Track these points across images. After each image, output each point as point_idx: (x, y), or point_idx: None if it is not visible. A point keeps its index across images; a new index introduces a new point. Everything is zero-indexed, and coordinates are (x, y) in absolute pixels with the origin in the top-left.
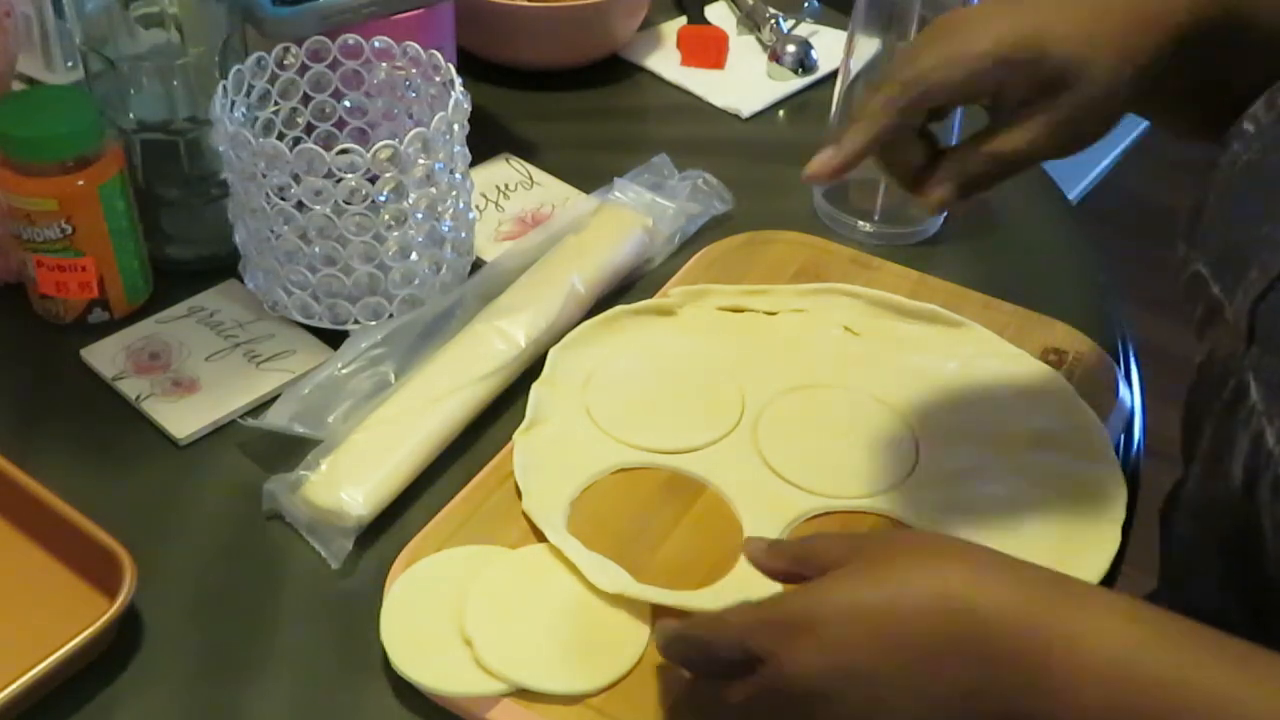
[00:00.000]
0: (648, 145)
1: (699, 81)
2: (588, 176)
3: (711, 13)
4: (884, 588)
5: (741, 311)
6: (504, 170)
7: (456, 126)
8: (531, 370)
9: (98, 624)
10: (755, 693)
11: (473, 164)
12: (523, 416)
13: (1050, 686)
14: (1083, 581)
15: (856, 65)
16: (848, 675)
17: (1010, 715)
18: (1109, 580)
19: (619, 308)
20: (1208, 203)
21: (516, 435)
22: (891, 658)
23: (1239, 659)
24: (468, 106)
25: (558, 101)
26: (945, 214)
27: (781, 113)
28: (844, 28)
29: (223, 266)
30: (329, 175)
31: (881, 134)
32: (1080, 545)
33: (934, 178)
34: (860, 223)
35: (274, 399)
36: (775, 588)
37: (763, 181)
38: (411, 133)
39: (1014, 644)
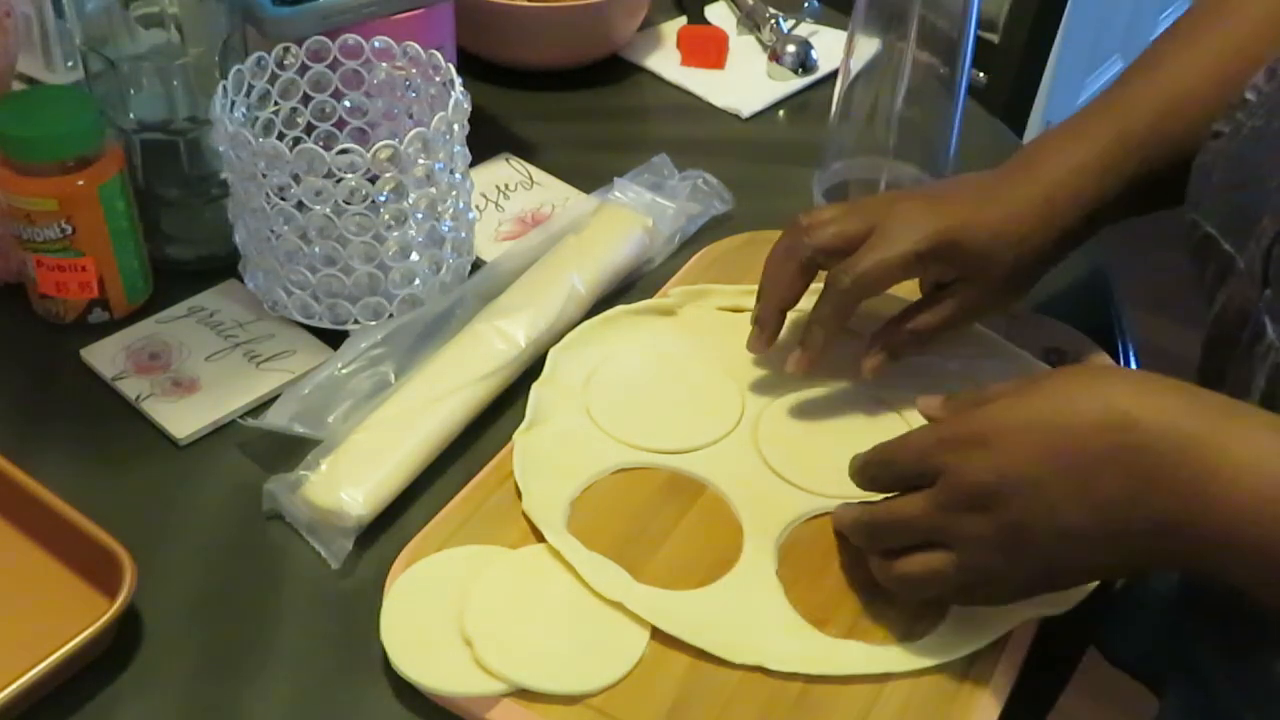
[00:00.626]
0: (648, 145)
1: (699, 81)
2: (588, 176)
3: (711, 13)
4: (1053, 402)
5: (741, 311)
6: (504, 170)
7: (456, 126)
8: (531, 370)
9: (98, 624)
10: (933, 501)
11: (473, 164)
12: (523, 416)
13: (1206, 497)
14: (1245, 404)
15: (856, 65)
16: (1017, 481)
17: (1165, 525)
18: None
19: (619, 307)
20: (1214, 170)
21: (516, 435)
22: (1058, 465)
23: None
24: (468, 106)
25: (558, 101)
26: None
27: (781, 113)
28: (844, 28)
29: (223, 266)
30: (329, 175)
31: (836, 331)
32: None
33: (869, 351)
34: None
35: (274, 399)
36: (774, 587)
37: (763, 181)
38: (411, 133)
39: (1174, 456)
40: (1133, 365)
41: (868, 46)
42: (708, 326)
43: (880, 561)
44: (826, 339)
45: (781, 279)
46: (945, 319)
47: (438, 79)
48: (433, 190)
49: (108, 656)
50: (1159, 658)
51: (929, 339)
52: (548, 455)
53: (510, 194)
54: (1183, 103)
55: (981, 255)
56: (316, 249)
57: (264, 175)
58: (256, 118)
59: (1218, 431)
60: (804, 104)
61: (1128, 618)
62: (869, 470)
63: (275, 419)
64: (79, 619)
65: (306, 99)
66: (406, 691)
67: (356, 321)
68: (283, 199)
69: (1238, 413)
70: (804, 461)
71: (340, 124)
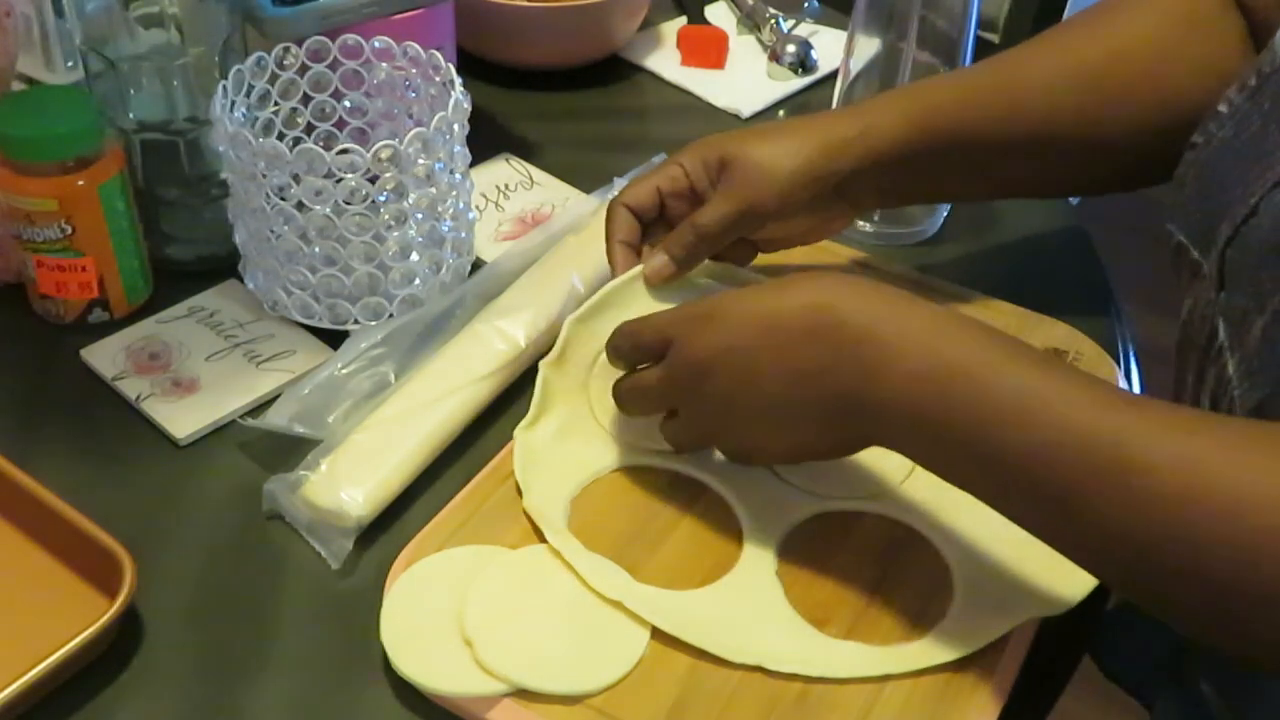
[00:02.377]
0: (648, 145)
1: (699, 81)
2: (588, 176)
3: (711, 13)
4: (774, 291)
5: None
6: (504, 170)
7: (456, 126)
8: (532, 370)
9: (98, 624)
10: (664, 372)
11: (473, 164)
12: (523, 416)
13: (876, 369)
14: (928, 302)
15: (856, 65)
16: (731, 351)
17: (847, 394)
18: None
19: (638, 267)
20: (1187, 179)
21: (517, 433)
22: (765, 340)
23: (1042, 360)
24: (468, 106)
25: (558, 101)
26: (945, 213)
27: (782, 113)
28: (844, 28)
29: (223, 266)
30: (329, 175)
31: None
32: None
33: (652, 252)
34: (860, 223)
35: (274, 399)
36: (774, 587)
37: None
38: (411, 133)
39: (858, 332)
40: (1133, 365)
41: (868, 46)
42: None
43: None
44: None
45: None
46: (724, 214)
47: (438, 79)
48: (433, 190)
49: (108, 657)
50: (1150, 671)
51: (713, 240)
52: (548, 454)
53: (510, 194)
54: (986, 94)
55: (762, 165)
56: (316, 249)
57: (264, 175)
58: (256, 118)
59: (896, 315)
60: (804, 104)
61: (1121, 631)
62: (615, 340)
63: (275, 419)
64: (79, 619)
65: (306, 99)
66: (406, 691)
67: (356, 321)
68: (283, 199)
69: (915, 301)
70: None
71: (340, 124)
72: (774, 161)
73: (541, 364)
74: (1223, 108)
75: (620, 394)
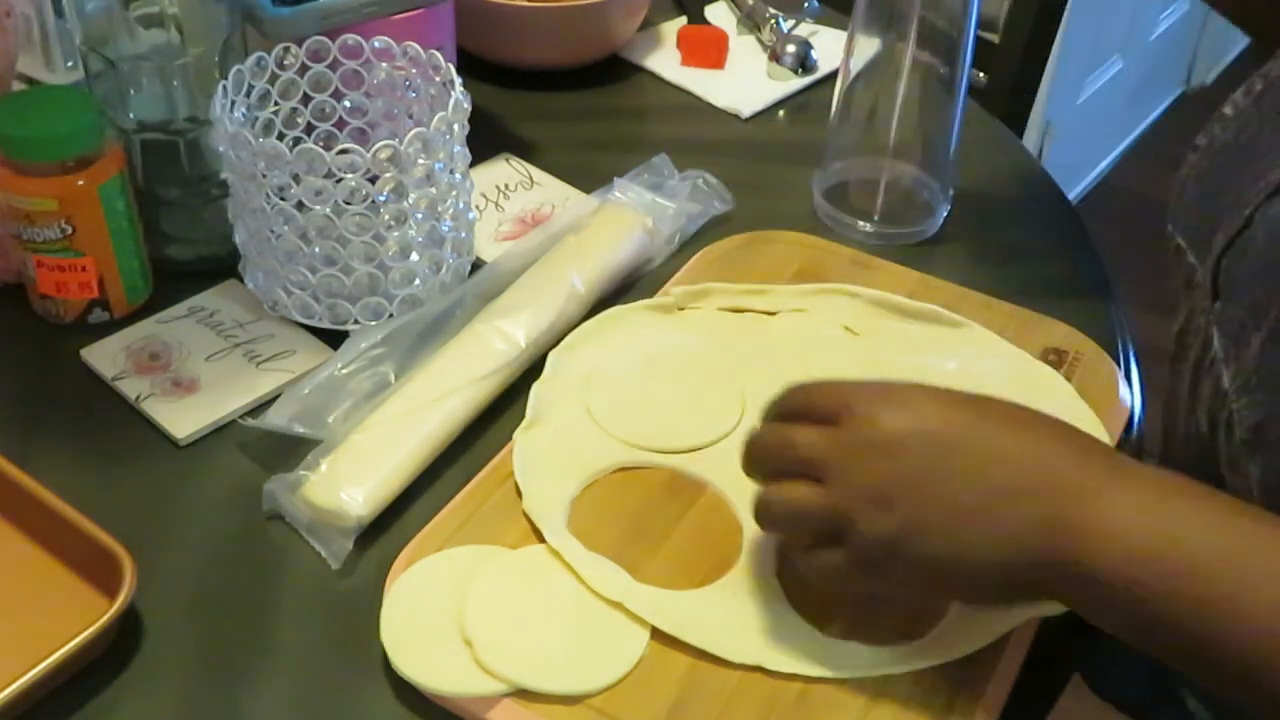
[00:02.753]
0: (648, 145)
1: (699, 81)
2: (588, 176)
3: (711, 13)
4: (974, 401)
5: (742, 312)
6: (504, 170)
7: (456, 126)
8: (532, 370)
9: (98, 624)
10: (835, 436)
11: (473, 164)
12: (523, 416)
13: (1090, 531)
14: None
15: (856, 65)
16: (923, 435)
17: (1050, 527)
18: None
19: (619, 307)
20: (1187, 182)
21: (517, 434)
22: (968, 440)
23: (1232, 520)
24: (468, 106)
25: (558, 101)
26: (945, 213)
27: (781, 113)
28: (844, 28)
29: (223, 266)
30: (329, 175)
31: None
32: None
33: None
34: (860, 223)
35: (274, 399)
36: (774, 587)
37: (763, 181)
38: (411, 133)
39: (1072, 487)
40: (1133, 365)
41: (868, 46)
42: (708, 326)
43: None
44: None
45: None
46: None
47: (438, 79)
48: (433, 190)
49: (108, 657)
50: (1145, 691)
51: None
52: (548, 454)
53: (510, 194)
54: None
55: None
56: (316, 249)
57: (264, 175)
58: (256, 118)
59: (1112, 481)
60: (804, 104)
61: (1115, 653)
62: (786, 398)
63: (275, 419)
64: (79, 619)
65: (306, 99)
66: (406, 691)
67: (356, 321)
68: (283, 199)
69: (1130, 466)
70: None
71: (340, 124)
72: None
73: (534, 385)
74: (1227, 110)
75: (767, 496)
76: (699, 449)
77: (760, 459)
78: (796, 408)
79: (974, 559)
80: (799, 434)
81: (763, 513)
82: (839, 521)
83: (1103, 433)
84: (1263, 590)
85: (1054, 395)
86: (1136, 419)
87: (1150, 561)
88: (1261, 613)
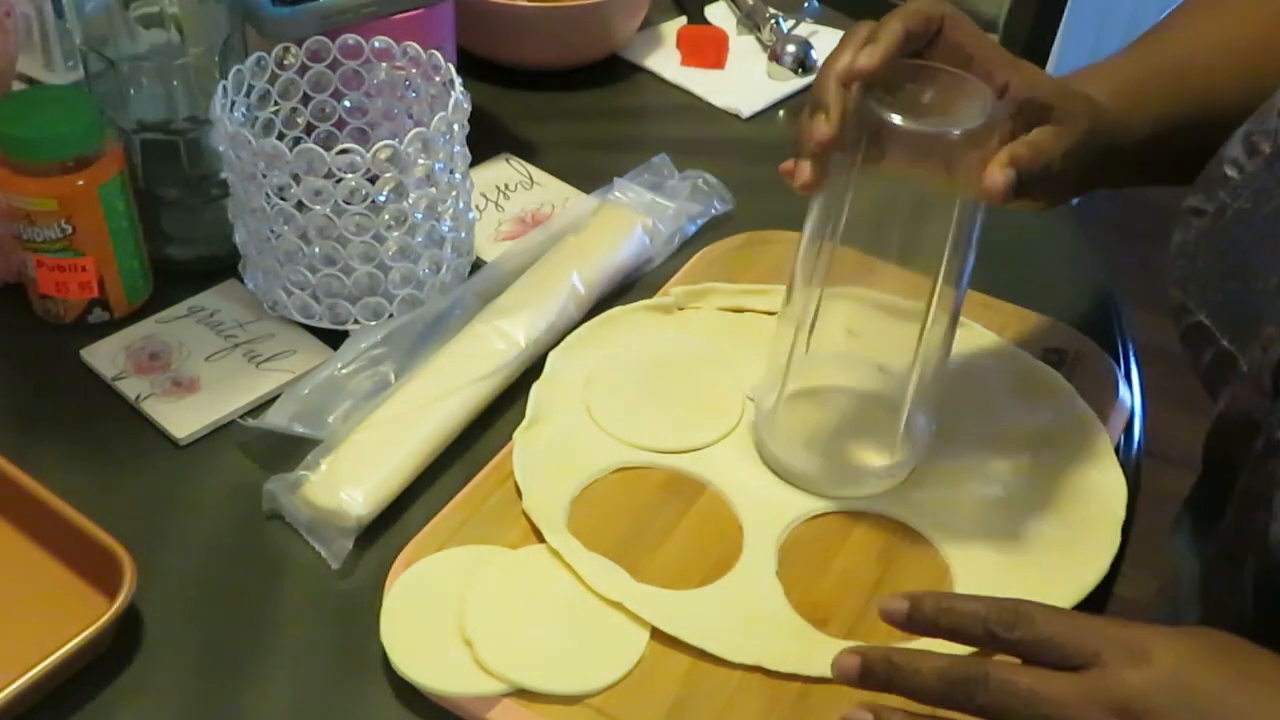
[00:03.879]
0: (648, 145)
1: (699, 81)
2: (588, 176)
3: (711, 13)
4: (1219, 672)
5: (742, 311)
6: (504, 170)
7: (456, 126)
8: (532, 370)
9: (98, 624)
10: (1087, 694)
11: (473, 164)
12: (523, 416)
13: None
14: None
15: None
16: (1181, 695)
17: None
18: (1109, 580)
19: (618, 308)
20: (1199, 252)
21: (517, 434)
22: (1239, 688)
23: None
24: (468, 106)
25: (558, 101)
26: None
27: (781, 113)
28: (844, 28)
29: (223, 266)
30: (329, 175)
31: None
32: (1080, 546)
33: (993, 169)
34: None
35: (274, 399)
36: (774, 587)
37: (763, 181)
38: (411, 133)
39: None
40: (1133, 366)
41: None
42: (708, 326)
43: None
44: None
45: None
46: (1053, 150)
47: (438, 79)
48: (433, 190)
49: (108, 657)
50: None
51: (1047, 163)
52: (548, 454)
53: (510, 194)
54: (1188, 67)
55: (1057, 91)
56: (316, 249)
57: (264, 175)
58: (256, 118)
59: None
60: (804, 104)
61: None
62: (1004, 612)
63: (275, 419)
64: (79, 619)
65: (306, 99)
66: (406, 691)
67: (356, 321)
68: (282, 199)
69: None
70: (807, 463)
71: (340, 124)
72: (1077, 102)
73: (534, 385)
74: (1231, 172)
75: (980, 681)
76: (699, 449)
77: (987, 695)
78: (1036, 642)
79: None
80: (1044, 681)
81: None
82: None
83: (1104, 435)
84: None
85: (1054, 395)
86: (1136, 419)
87: None
88: None
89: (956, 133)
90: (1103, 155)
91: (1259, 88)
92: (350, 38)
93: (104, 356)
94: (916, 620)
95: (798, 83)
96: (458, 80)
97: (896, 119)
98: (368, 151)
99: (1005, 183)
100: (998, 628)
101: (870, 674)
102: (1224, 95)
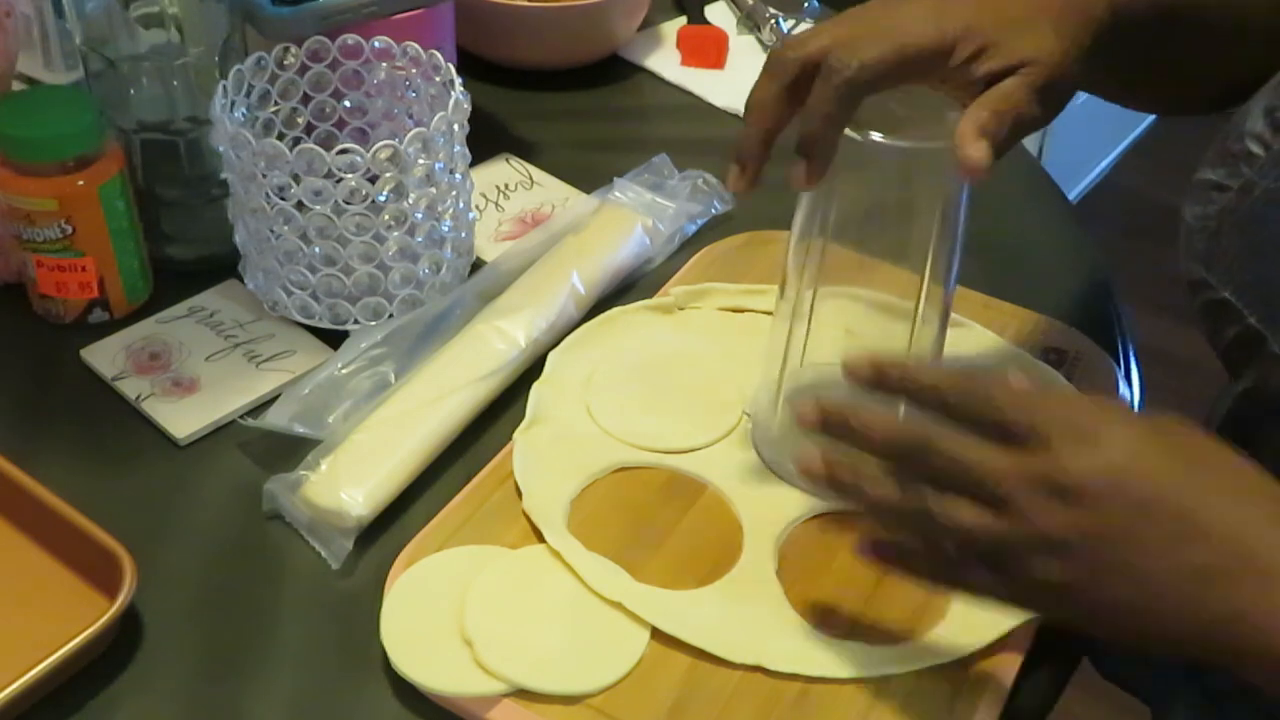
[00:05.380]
0: (648, 145)
1: (699, 81)
2: (588, 176)
3: (711, 13)
4: (1173, 455)
5: (741, 312)
6: (504, 170)
7: (456, 126)
8: (532, 370)
9: (98, 624)
10: (1016, 467)
11: (473, 164)
12: (523, 416)
13: None
14: None
15: None
16: (1123, 492)
17: (1241, 620)
18: None
19: (618, 308)
20: (1223, 228)
21: (517, 434)
22: (1164, 508)
23: None
24: (468, 106)
25: (558, 101)
26: None
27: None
28: None
29: (223, 266)
30: (329, 175)
31: (838, 130)
32: None
33: (965, 138)
34: None
35: (274, 399)
36: (774, 586)
37: (763, 181)
38: (411, 133)
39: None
40: (1133, 367)
41: None
42: (708, 326)
43: (912, 486)
44: (830, 142)
45: (765, 103)
46: (1019, 100)
47: (438, 79)
48: (433, 190)
49: (108, 656)
50: (1155, 676)
51: (1018, 122)
52: (548, 454)
53: (510, 194)
54: None
55: (1011, 37)
56: (316, 249)
57: (264, 175)
58: (256, 118)
59: None
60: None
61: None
62: (949, 382)
63: (275, 419)
64: (79, 619)
65: (306, 99)
66: (406, 691)
67: (356, 321)
68: (283, 199)
69: None
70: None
71: (340, 124)
72: (1039, 36)
73: (534, 386)
74: (1255, 148)
75: (931, 446)
76: (699, 449)
77: (925, 461)
78: (982, 416)
79: (1153, 630)
80: (981, 454)
81: (913, 521)
82: (1005, 555)
83: None
84: None
85: None
86: None
87: None
88: None
89: (925, 146)
90: (1103, 48)
91: None
92: (350, 38)
93: (104, 356)
94: (880, 384)
95: None
96: (458, 80)
97: (875, 136)
98: (368, 151)
99: (980, 159)
100: (950, 400)
101: (827, 423)
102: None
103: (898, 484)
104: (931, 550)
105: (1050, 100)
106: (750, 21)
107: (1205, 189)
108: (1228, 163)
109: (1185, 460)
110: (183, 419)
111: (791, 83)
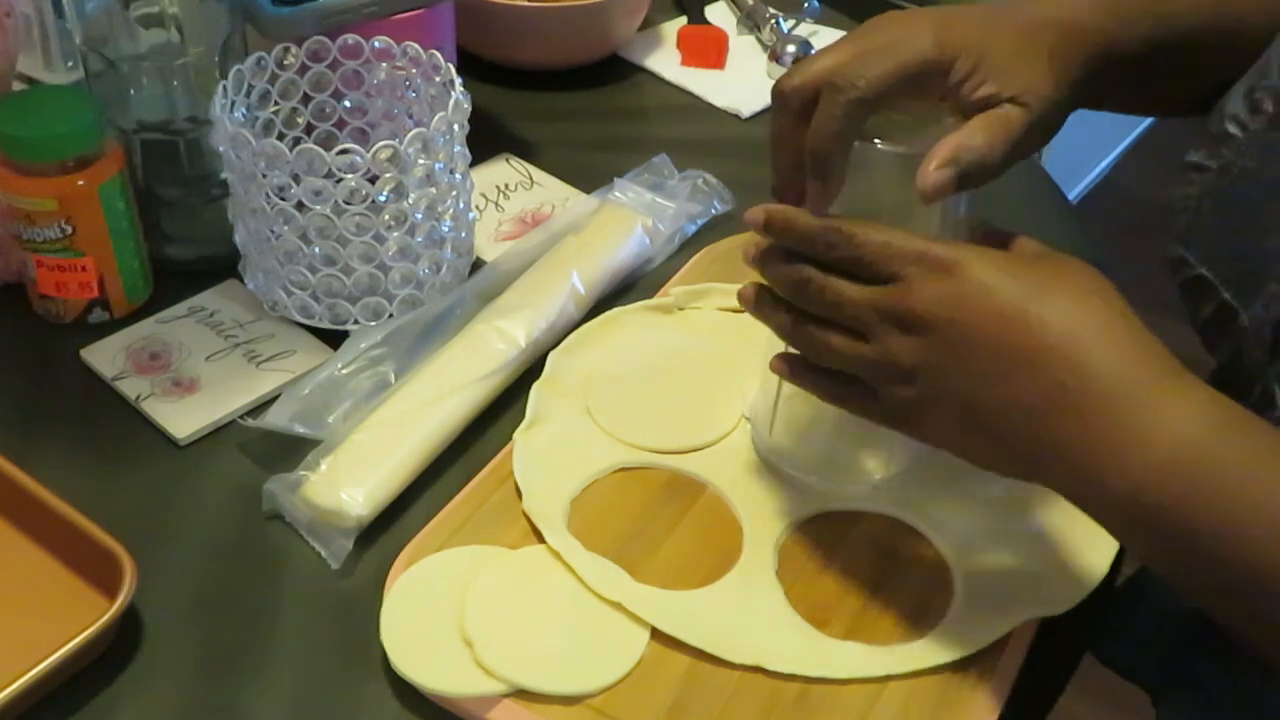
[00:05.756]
0: (648, 145)
1: (699, 81)
2: (588, 177)
3: (711, 13)
4: (1030, 292)
5: (742, 312)
6: (504, 170)
7: (456, 126)
8: (532, 370)
9: (98, 624)
10: (873, 300)
11: (473, 164)
12: (523, 416)
13: (1110, 440)
14: (1191, 375)
15: None
16: (954, 325)
17: (1063, 455)
18: (1109, 580)
19: (618, 308)
20: (1203, 208)
21: (517, 434)
22: (996, 338)
23: None
24: (468, 106)
25: (558, 101)
26: None
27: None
28: (844, 28)
29: (223, 266)
30: (329, 175)
31: (846, 149)
32: (1081, 544)
33: (929, 166)
34: None
35: (274, 399)
36: (774, 587)
37: (763, 181)
38: (411, 133)
39: (1099, 395)
40: None
41: None
42: (708, 326)
43: (793, 318)
44: (839, 159)
45: (782, 136)
46: (1003, 136)
47: (438, 79)
48: (433, 190)
49: (108, 657)
50: (1157, 667)
51: (990, 159)
52: (548, 455)
53: (510, 194)
54: None
55: (1009, 64)
56: (316, 249)
57: (264, 175)
58: (256, 118)
59: (1153, 390)
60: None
61: (1126, 625)
62: (829, 234)
63: (275, 419)
64: (79, 619)
65: (306, 99)
66: (406, 692)
67: (356, 322)
68: (282, 199)
69: (1180, 377)
70: (805, 461)
71: (340, 124)
72: (1032, 61)
73: (534, 386)
74: (1233, 129)
75: (806, 280)
76: (699, 449)
77: (804, 299)
78: (852, 258)
79: (990, 458)
80: (849, 292)
81: (801, 346)
82: (871, 378)
83: None
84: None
85: None
86: None
87: (1168, 473)
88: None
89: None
90: (1096, 75)
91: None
92: (350, 38)
93: (104, 356)
94: (769, 230)
95: None
96: (458, 80)
97: (876, 142)
98: (368, 152)
99: (935, 185)
100: (822, 247)
101: (770, 226)
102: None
103: (791, 313)
104: (821, 371)
105: (1040, 130)
106: (750, 22)
107: (1188, 170)
108: (1208, 144)
109: (1037, 295)
110: (183, 419)
111: (800, 109)
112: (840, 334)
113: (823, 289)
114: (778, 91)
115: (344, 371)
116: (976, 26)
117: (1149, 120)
